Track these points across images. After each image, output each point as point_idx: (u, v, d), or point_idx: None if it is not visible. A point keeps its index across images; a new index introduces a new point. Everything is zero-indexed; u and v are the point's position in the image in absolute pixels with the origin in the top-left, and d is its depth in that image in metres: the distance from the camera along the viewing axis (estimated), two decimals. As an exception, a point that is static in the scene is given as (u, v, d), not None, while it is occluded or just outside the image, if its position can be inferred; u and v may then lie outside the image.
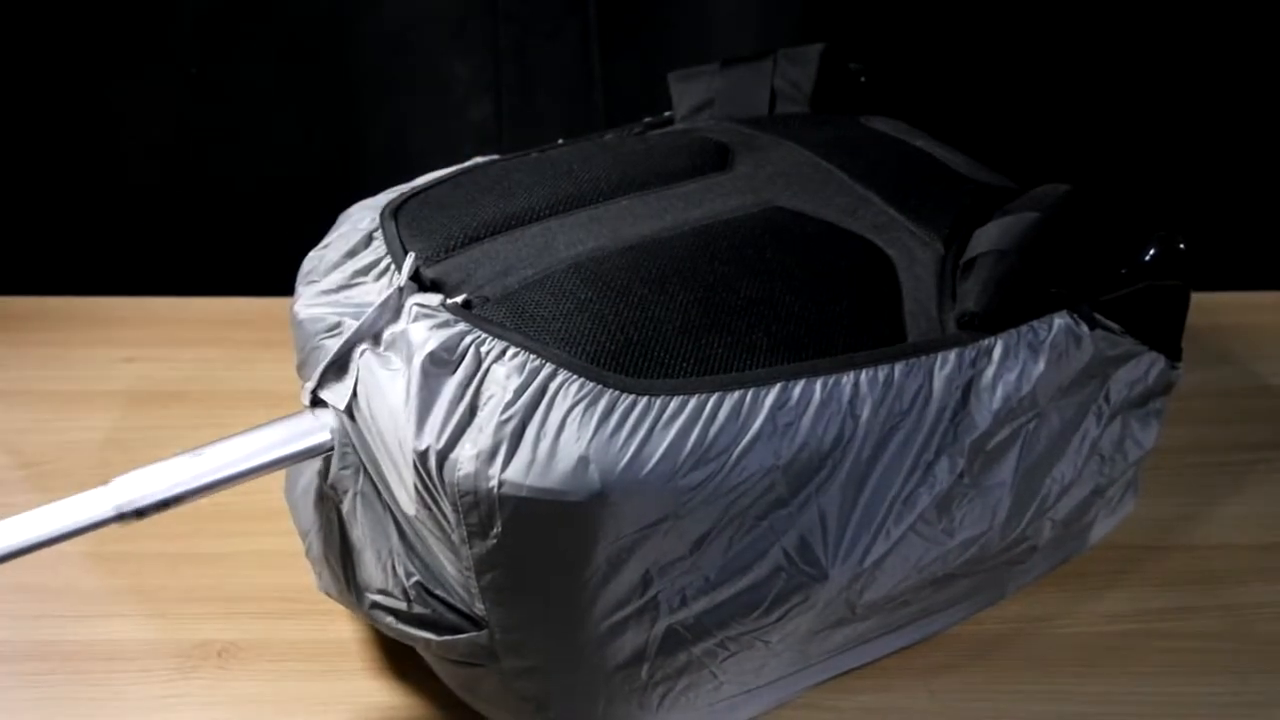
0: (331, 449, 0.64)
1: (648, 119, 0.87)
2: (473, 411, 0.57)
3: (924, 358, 0.63)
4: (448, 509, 0.57)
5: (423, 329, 0.60)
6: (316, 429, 0.64)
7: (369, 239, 0.69)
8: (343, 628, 0.75)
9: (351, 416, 0.63)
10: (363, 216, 0.71)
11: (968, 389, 0.64)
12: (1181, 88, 1.13)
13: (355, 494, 0.65)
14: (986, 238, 0.68)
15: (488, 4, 1.08)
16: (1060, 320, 0.67)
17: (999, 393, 0.64)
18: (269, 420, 0.64)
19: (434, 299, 0.62)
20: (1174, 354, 0.74)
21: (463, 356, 0.59)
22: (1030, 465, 0.68)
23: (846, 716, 0.70)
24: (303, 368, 0.67)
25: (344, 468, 0.65)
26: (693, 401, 0.57)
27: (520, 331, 0.60)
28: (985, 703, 0.71)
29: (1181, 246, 0.71)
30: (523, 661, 0.61)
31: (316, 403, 0.65)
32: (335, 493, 0.66)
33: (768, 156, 0.77)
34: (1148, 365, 0.73)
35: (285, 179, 1.16)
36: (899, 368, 0.62)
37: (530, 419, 0.56)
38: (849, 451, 0.60)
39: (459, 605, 0.62)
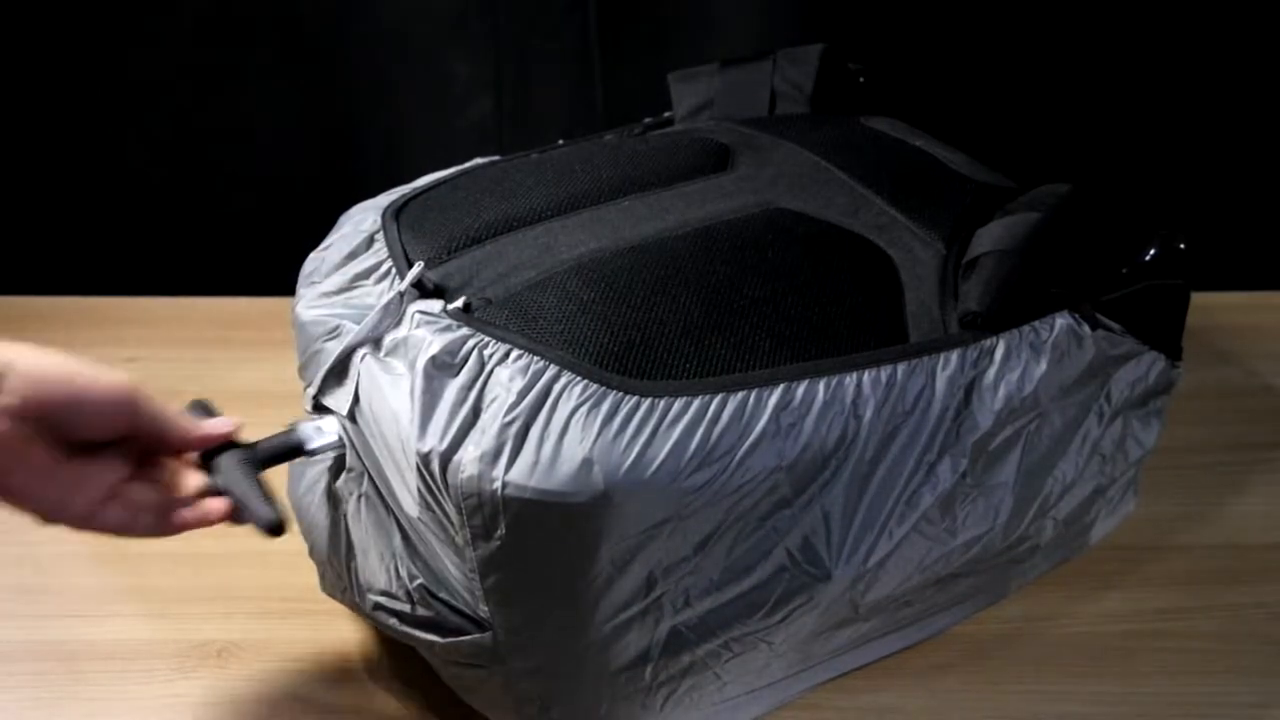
0: (342, 450, 0.65)
1: (648, 119, 0.87)
2: (476, 414, 0.57)
3: (926, 358, 0.63)
4: (451, 511, 0.57)
5: (425, 333, 0.60)
6: (328, 431, 0.65)
7: (370, 241, 0.69)
8: (343, 628, 0.75)
9: (354, 420, 0.62)
10: (364, 218, 0.71)
11: (970, 389, 0.64)
12: (1181, 88, 1.13)
13: (358, 496, 0.65)
14: (988, 238, 0.68)
15: (488, 3, 1.08)
16: (1062, 320, 0.67)
17: (1001, 393, 0.64)
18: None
19: (435, 305, 0.62)
20: (1174, 353, 0.74)
21: (465, 359, 0.59)
22: (1032, 465, 0.68)
23: (847, 716, 0.71)
24: (304, 370, 0.67)
25: (347, 471, 0.65)
26: (696, 403, 0.57)
27: (523, 334, 0.60)
28: (985, 703, 0.71)
29: (1181, 246, 0.71)
30: (526, 663, 0.61)
31: (319, 407, 0.65)
32: (344, 491, 0.66)
33: (768, 157, 0.77)
34: (1148, 365, 0.73)
35: (285, 179, 1.16)
36: (901, 368, 0.62)
37: (534, 421, 0.56)
38: (852, 452, 0.61)
39: (462, 607, 0.62)
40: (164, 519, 0.61)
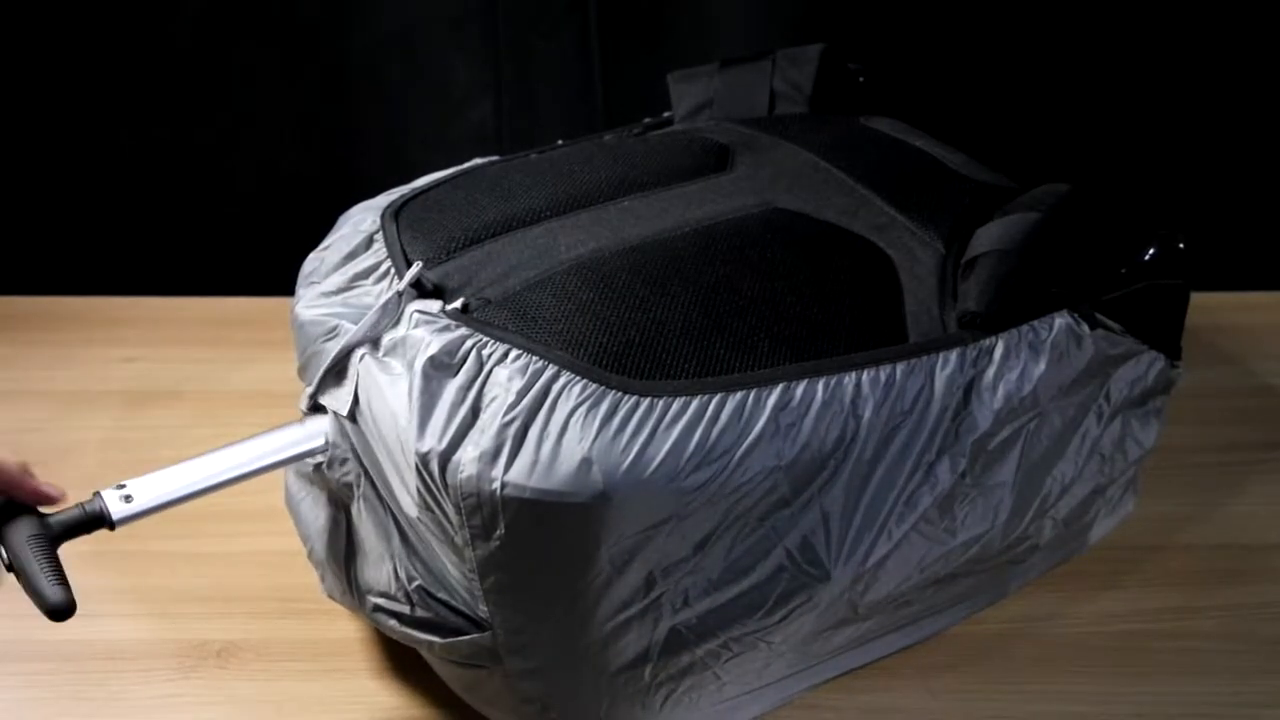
0: (325, 452, 0.65)
1: (647, 119, 0.87)
2: (475, 414, 0.57)
3: (925, 358, 0.63)
4: (450, 511, 0.57)
5: (423, 333, 0.60)
6: (314, 434, 0.64)
7: (369, 241, 0.69)
8: (343, 628, 0.75)
9: (353, 421, 0.62)
10: (363, 218, 0.71)
11: (969, 389, 0.64)
12: (1181, 88, 1.13)
13: (358, 498, 0.65)
14: (987, 237, 0.68)
15: (488, 4, 1.09)
16: (1061, 320, 0.67)
17: (1000, 392, 0.64)
18: (272, 427, 0.65)
19: (434, 305, 0.62)
20: (1174, 353, 0.74)
21: (464, 360, 0.59)
22: (1032, 465, 0.68)
23: (847, 716, 0.71)
24: (304, 370, 0.67)
25: (345, 472, 0.65)
26: (695, 402, 0.57)
27: (522, 334, 0.60)
28: (985, 703, 0.71)
29: (1181, 246, 0.71)
30: (526, 663, 0.61)
31: (316, 408, 0.65)
32: (343, 493, 0.66)
33: (768, 157, 0.77)
34: (1148, 364, 0.73)
35: (285, 179, 1.16)
36: (900, 368, 0.62)
37: (533, 421, 0.56)
38: (851, 452, 0.61)
39: (462, 608, 0.62)
40: None
